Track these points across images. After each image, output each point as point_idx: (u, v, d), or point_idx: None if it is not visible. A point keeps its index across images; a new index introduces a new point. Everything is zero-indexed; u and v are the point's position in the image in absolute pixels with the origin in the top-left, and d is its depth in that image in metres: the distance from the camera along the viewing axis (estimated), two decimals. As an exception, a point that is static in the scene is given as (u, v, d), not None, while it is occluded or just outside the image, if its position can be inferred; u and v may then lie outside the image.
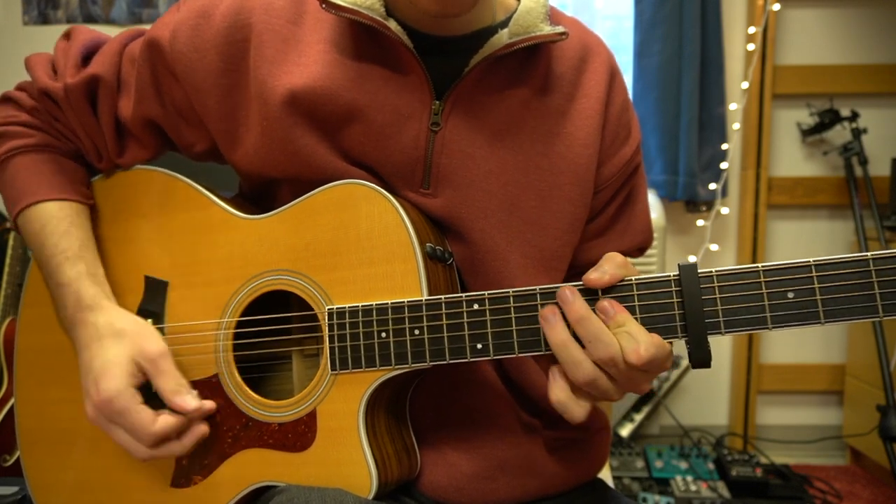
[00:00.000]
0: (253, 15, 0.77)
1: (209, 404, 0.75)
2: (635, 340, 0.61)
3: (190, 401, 0.73)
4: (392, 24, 0.73)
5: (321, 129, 0.76)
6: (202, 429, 0.74)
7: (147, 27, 0.84)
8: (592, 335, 0.62)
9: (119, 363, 0.72)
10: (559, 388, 0.65)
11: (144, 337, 0.75)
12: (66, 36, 0.88)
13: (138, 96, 0.82)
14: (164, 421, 0.71)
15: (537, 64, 0.79)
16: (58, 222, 0.80)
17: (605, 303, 0.63)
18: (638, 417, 2.37)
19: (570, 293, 0.63)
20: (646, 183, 0.91)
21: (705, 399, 2.55)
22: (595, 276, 0.63)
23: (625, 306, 0.63)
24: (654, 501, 2.00)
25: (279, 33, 0.77)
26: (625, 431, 2.35)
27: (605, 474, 1.33)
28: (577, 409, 0.64)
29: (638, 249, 0.89)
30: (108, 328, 0.75)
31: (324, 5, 0.72)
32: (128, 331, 0.75)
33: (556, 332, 0.63)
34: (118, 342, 0.74)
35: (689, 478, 2.12)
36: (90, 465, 0.82)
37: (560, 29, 0.75)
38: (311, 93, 0.74)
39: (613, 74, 0.84)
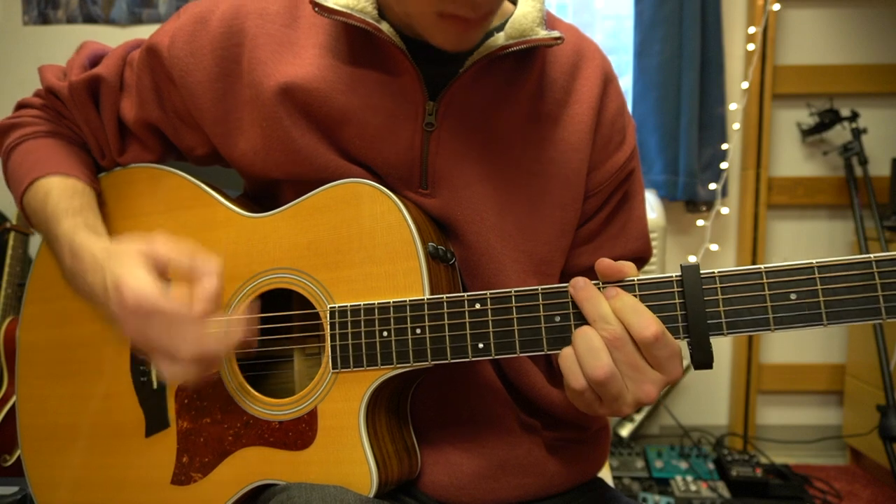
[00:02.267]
0: (248, 20, 0.78)
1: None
2: (643, 315, 0.61)
3: (210, 270, 0.66)
4: (384, 27, 0.73)
5: (319, 128, 0.77)
6: (241, 328, 0.69)
7: (147, 28, 0.85)
8: (601, 314, 0.62)
9: (136, 263, 0.67)
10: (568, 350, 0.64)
11: (146, 241, 0.69)
12: (78, 50, 0.90)
13: (140, 101, 0.84)
14: (202, 297, 0.65)
15: (531, 68, 0.80)
16: (62, 189, 0.80)
17: (612, 288, 0.63)
18: (638, 417, 2.37)
19: (582, 281, 0.64)
20: (643, 190, 0.90)
21: (705, 399, 2.55)
22: (607, 261, 0.64)
23: None
24: (654, 501, 2.00)
25: (274, 37, 0.78)
26: (625, 431, 2.35)
27: (605, 474, 1.33)
28: (579, 376, 0.62)
29: (636, 259, 0.88)
30: (105, 252, 0.72)
31: (316, 9, 0.73)
32: (133, 241, 0.70)
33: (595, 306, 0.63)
34: (122, 257, 0.68)
35: (689, 478, 2.12)
36: (91, 463, 0.82)
37: (555, 33, 0.75)
38: (305, 91, 0.75)
39: (608, 80, 0.84)
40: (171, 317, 0.65)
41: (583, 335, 0.62)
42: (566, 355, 0.64)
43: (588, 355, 0.62)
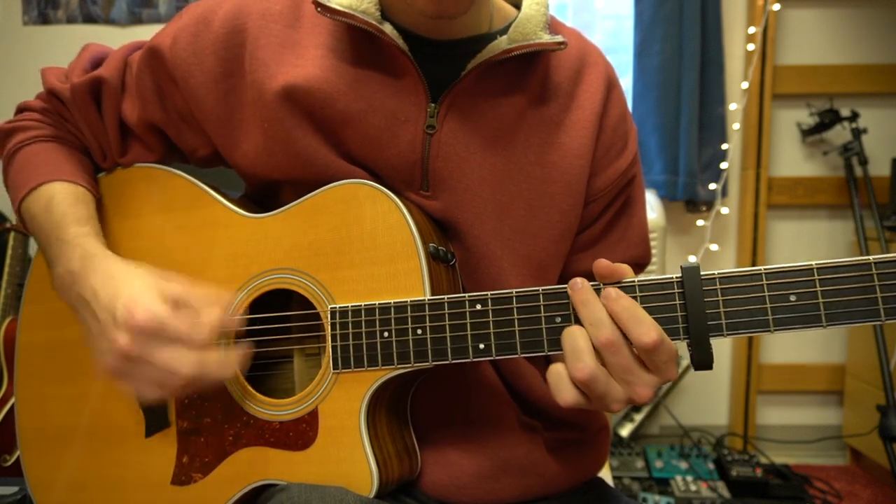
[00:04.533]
0: (250, 20, 0.78)
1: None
2: (642, 322, 0.61)
3: (225, 295, 0.68)
4: (387, 28, 0.73)
5: (321, 130, 0.77)
6: (242, 350, 0.70)
7: (147, 28, 0.85)
8: (596, 318, 0.62)
9: (149, 290, 0.68)
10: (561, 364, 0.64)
11: (161, 275, 0.71)
12: (80, 52, 0.90)
13: (142, 102, 0.84)
14: (207, 323, 0.67)
15: (535, 72, 0.80)
16: (65, 197, 0.80)
17: (612, 290, 0.63)
18: (638, 417, 2.37)
19: (580, 282, 0.64)
20: (644, 195, 0.90)
21: (705, 399, 2.55)
22: (604, 262, 0.64)
23: None
24: (654, 501, 2.00)
25: (276, 37, 0.77)
26: (625, 431, 2.35)
27: (606, 474, 1.33)
28: (568, 390, 0.63)
29: (635, 265, 0.88)
30: (122, 268, 0.72)
31: (319, 9, 0.73)
32: (146, 271, 0.71)
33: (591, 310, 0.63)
34: (138, 277, 0.70)
35: (689, 478, 2.12)
36: (90, 463, 0.82)
37: (559, 38, 0.75)
38: (307, 93, 0.75)
39: (611, 86, 0.84)
40: (178, 337, 0.65)
41: (570, 335, 0.63)
42: (555, 371, 0.64)
43: (571, 356, 0.62)
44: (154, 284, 0.69)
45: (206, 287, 0.69)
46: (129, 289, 0.68)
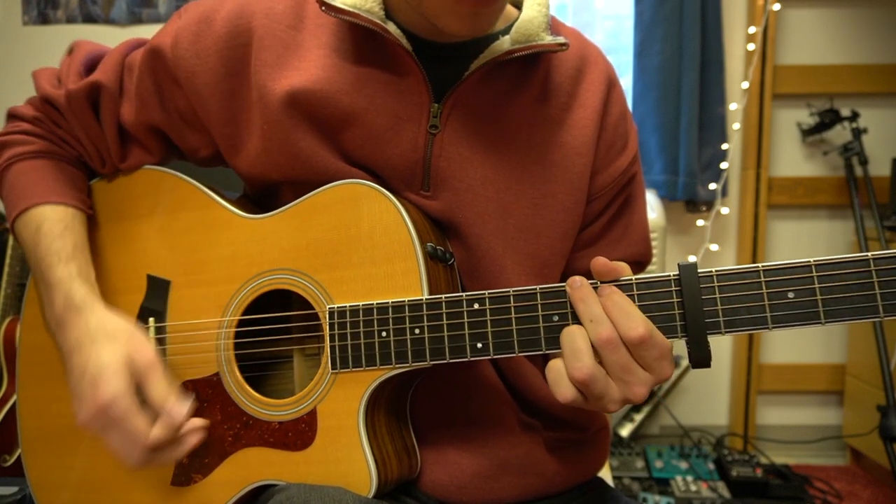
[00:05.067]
0: (254, 19, 0.78)
1: (199, 422, 0.73)
2: (631, 316, 0.61)
3: (178, 409, 0.71)
4: (391, 27, 0.73)
5: (322, 131, 0.77)
6: (195, 439, 0.72)
7: (147, 27, 0.85)
8: (594, 315, 0.62)
9: (116, 367, 0.70)
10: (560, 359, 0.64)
11: (137, 341, 0.73)
12: (70, 51, 0.89)
13: (141, 103, 0.83)
14: (160, 429, 0.69)
15: (536, 73, 0.80)
16: (52, 224, 0.79)
17: (606, 286, 0.63)
18: (638, 417, 2.37)
19: (579, 280, 0.64)
20: (644, 194, 0.90)
21: (705, 399, 2.55)
22: (602, 260, 0.64)
23: None
24: (654, 501, 2.00)
25: (280, 38, 0.77)
26: (625, 431, 2.35)
27: (606, 474, 1.33)
28: (567, 386, 0.63)
29: (636, 263, 0.88)
30: (100, 330, 0.73)
31: (323, 7, 0.73)
32: (120, 334, 0.73)
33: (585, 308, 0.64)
34: (111, 345, 0.71)
35: (689, 478, 2.12)
36: (91, 464, 0.83)
37: (561, 39, 0.75)
38: (310, 95, 0.75)
39: (611, 85, 0.84)
40: (130, 433, 0.69)
41: (569, 335, 0.63)
42: (553, 367, 0.64)
43: (570, 356, 0.62)
44: (123, 358, 0.71)
45: (165, 378, 0.72)
46: (99, 361, 0.70)
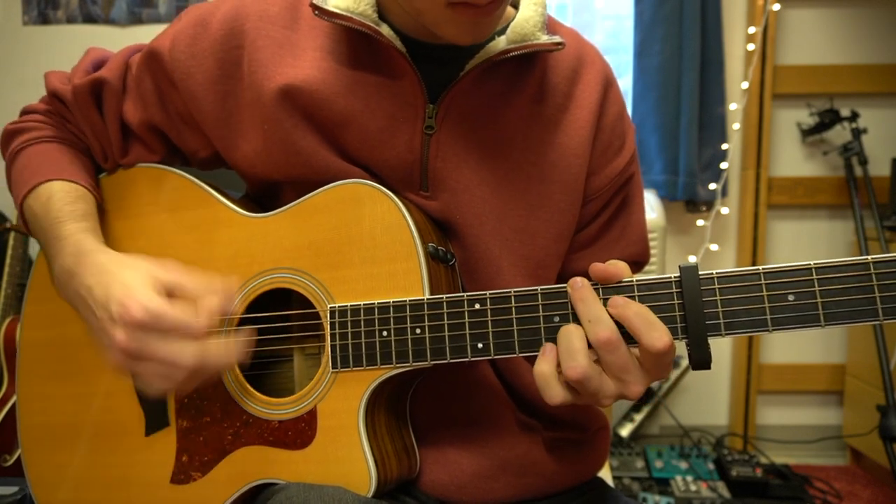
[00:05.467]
0: (248, 22, 0.79)
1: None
2: (654, 327, 0.61)
3: (222, 282, 0.67)
4: (384, 30, 0.73)
5: (321, 130, 0.77)
6: (243, 336, 0.69)
7: (147, 28, 0.86)
8: (594, 315, 0.62)
9: (142, 282, 0.66)
10: (545, 362, 0.64)
11: (156, 263, 0.70)
12: (83, 57, 0.90)
13: (143, 103, 0.84)
14: (205, 312, 0.65)
15: (532, 72, 0.80)
16: (65, 194, 0.79)
17: (619, 298, 0.63)
18: (638, 417, 2.37)
19: (580, 280, 0.64)
20: (642, 194, 0.90)
21: (705, 399, 2.55)
22: (599, 266, 0.64)
23: None
24: (654, 501, 2.00)
25: (274, 39, 0.78)
26: (625, 431, 2.35)
27: (605, 474, 1.33)
28: (556, 389, 0.63)
29: (634, 264, 0.88)
30: (115, 261, 0.71)
31: (316, 12, 0.73)
32: (139, 261, 0.70)
33: (546, 359, 0.64)
34: (131, 269, 0.68)
35: (689, 478, 2.12)
36: (90, 462, 0.83)
37: (557, 39, 0.75)
38: (305, 92, 0.75)
39: (608, 85, 0.84)
40: (176, 328, 0.64)
41: (565, 334, 0.63)
42: (540, 372, 0.64)
43: (566, 355, 0.62)
44: (148, 274, 0.67)
45: (203, 274, 0.68)
46: (123, 282, 0.67)
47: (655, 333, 0.61)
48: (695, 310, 0.61)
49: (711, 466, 2.20)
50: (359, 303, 0.71)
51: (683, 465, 2.21)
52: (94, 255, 0.73)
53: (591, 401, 0.64)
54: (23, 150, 0.86)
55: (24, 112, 0.90)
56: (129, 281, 0.66)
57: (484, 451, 0.79)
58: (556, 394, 0.63)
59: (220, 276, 0.69)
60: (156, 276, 0.67)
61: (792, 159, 2.48)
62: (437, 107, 0.76)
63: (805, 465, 2.37)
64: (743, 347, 2.49)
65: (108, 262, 0.71)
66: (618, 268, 0.64)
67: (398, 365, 0.69)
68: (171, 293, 0.67)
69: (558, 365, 0.63)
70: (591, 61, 0.84)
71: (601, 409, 0.92)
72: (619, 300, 0.63)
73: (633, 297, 0.63)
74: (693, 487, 2.07)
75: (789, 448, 2.49)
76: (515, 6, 0.80)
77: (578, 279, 0.64)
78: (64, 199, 0.79)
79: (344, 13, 0.72)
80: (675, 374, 2.39)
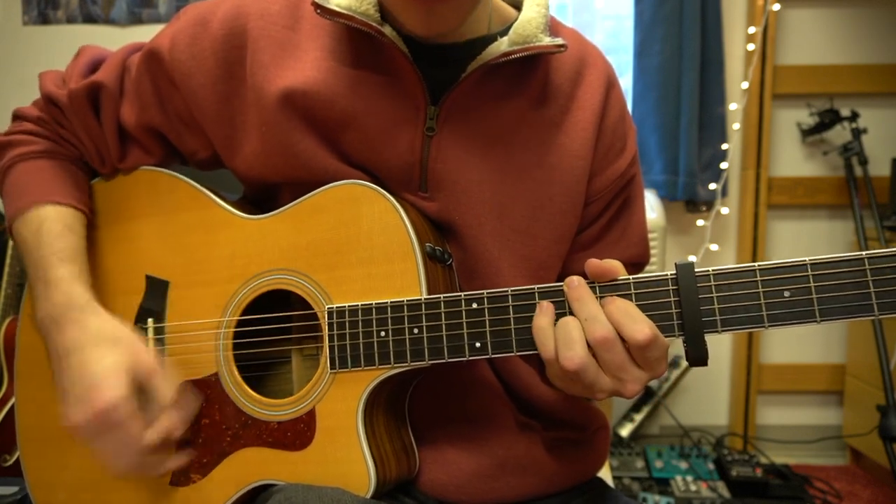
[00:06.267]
0: (249, 21, 0.78)
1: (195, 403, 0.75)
2: (635, 320, 0.61)
3: (180, 411, 0.72)
4: (387, 30, 0.73)
5: (319, 132, 0.77)
6: (180, 459, 0.75)
7: (147, 28, 0.85)
8: (590, 314, 0.63)
9: (118, 371, 0.68)
10: (544, 315, 0.65)
11: (139, 347, 0.72)
12: (76, 55, 0.89)
13: (140, 105, 0.83)
14: (156, 431, 0.69)
15: (535, 74, 0.79)
16: (53, 224, 0.79)
17: (608, 297, 0.64)
18: (638, 417, 2.37)
19: (576, 279, 0.65)
20: (643, 195, 0.90)
21: (705, 399, 2.55)
22: (595, 262, 0.64)
23: None
24: (654, 501, 2.00)
25: (275, 39, 0.77)
26: (625, 431, 2.35)
27: (605, 474, 1.33)
28: (552, 343, 0.64)
29: (634, 265, 0.88)
30: (101, 333, 0.72)
31: (318, 11, 0.73)
32: (121, 339, 0.72)
33: (544, 313, 0.65)
34: (114, 349, 0.70)
35: (689, 478, 2.12)
36: (89, 464, 0.82)
37: (559, 41, 0.75)
38: (306, 97, 0.75)
39: (610, 87, 0.84)
40: (127, 437, 0.68)
41: (563, 325, 0.64)
42: (539, 326, 0.65)
43: (563, 345, 0.63)
44: (128, 362, 0.70)
45: (171, 380, 0.72)
46: (101, 363, 0.69)
47: (636, 326, 0.61)
48: (691, 306, 0.62)
49: (711, 466, 2.20)
50: (356, 303, 0.71)
51: (683, 465, 2.21)
52: (83, 313, 0.73)
53: (587, 393, 0.65)
54: (13, 166, 0.84)
55: (16, 116, 0.88)
56: (107, 365, 0.69)
57: (483, 451, 0.79)
58: (549, 347, 0.64)
59: (193, 390, 0.75)
60: (135, 368, 0.70)
61: (792, 159, 2.47)
62: (439, 108, 0.76)
63: (805, 465, 2.37)
64: (743, 347, 2.49)
65: (95, 330, 0.72)
66: (612, 264, 0.64)
67: (396, 365, 0.69)
68: (140, 388, 0.70)
69: (556, 356, 0.64)
70: (593, 63, 0.84)
71: (600, 409, 0.92)
72: (606, 298, 0.63)
73: (629, 295, 0.64)
74: (693, 487, 2.07)
75: (789, 448, 2.49)
76: (518, 7, 0.80)
77: (575, 278, 0.64)
78: (53, 232, 0.78)
79: (346, 12, 0.72)
80: (675, 374, 2.39)
